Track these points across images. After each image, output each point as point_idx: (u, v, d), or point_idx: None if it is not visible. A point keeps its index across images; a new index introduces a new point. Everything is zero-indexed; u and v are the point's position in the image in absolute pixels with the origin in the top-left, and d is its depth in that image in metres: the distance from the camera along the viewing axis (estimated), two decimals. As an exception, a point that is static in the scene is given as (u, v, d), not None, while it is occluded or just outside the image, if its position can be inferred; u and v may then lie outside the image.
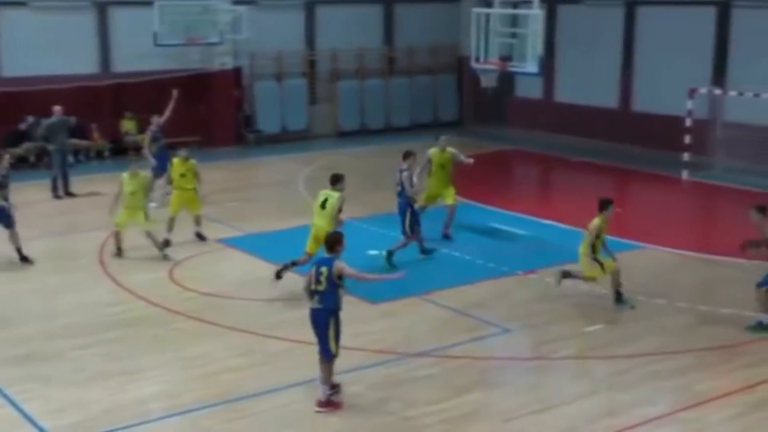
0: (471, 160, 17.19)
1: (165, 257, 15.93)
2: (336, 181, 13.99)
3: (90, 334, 12.59)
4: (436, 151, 16.88)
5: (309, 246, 13.95)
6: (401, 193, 15.61)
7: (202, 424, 10.01)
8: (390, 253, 15.49)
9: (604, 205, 13.53)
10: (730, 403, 10.42)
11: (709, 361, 11.59)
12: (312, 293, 10.26)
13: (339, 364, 11.29)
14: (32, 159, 24.28)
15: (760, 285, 12.64)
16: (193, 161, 17.11)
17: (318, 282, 10.16)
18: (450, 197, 16.88)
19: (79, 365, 11.53)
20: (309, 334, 11.61)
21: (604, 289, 14.23)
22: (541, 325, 12.91)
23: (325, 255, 10.36)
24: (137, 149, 25.48)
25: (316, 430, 9.91)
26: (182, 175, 17.01)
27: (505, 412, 10.25)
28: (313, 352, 11.21)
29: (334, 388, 10.44)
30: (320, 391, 10.35)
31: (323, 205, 13.84)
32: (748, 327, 12.55)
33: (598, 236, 13.36)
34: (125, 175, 16.21)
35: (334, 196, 13.84)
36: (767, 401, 10.44)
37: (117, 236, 16.20)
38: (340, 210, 13.82)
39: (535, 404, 10.42)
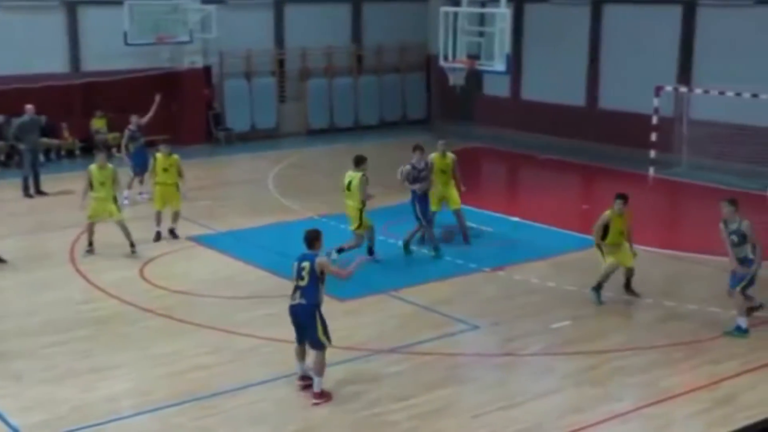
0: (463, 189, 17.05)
1: (133, 252, 15.92)
2: (359, 162, 15.09)
3: (61, 331, 12.50)
4: (437, 155, 16.71)
5: (351, 226, 15.15)
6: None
7: (172, 422, 9.97)
8: (406, 243, 15.99)
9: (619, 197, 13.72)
10: (695, 399, 10.51)
11: (674, 357, 11.69)
12: (294, 288, 10.33)
13: (305, 360, 11.38)
14: (2, 158, 24.04)
15: (732, 287, 12.49)
16: (176, 156, 17.23)
17: (300, 278, 10.26)
18: (454, 202, 16.74)
19: (50, 363, 11.45)
20: (278, 332, 11.69)
21: (571, 286, 14.34)
22: (509, 321, 12.96)
23: (306, 251, 10.39)
24: (108, 147, 25.39)
25: (286, 426, 9.90)
26: (165, 170, 17.04)
27: (473, 407, 10.29)
28: (282, 349, 11.33)
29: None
30: (315, 384, 10.43)
31: (348, 187, 14.94)
32: (726, 332, 12.36)
33: (607, 228, 13.49)
34: (93, 166, 16.17)
35: (356, 176, 14.90)
36: (732, 397, 10.53)
37: (90, 229, 16.11)
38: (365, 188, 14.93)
39: (503, 400, 10.47)
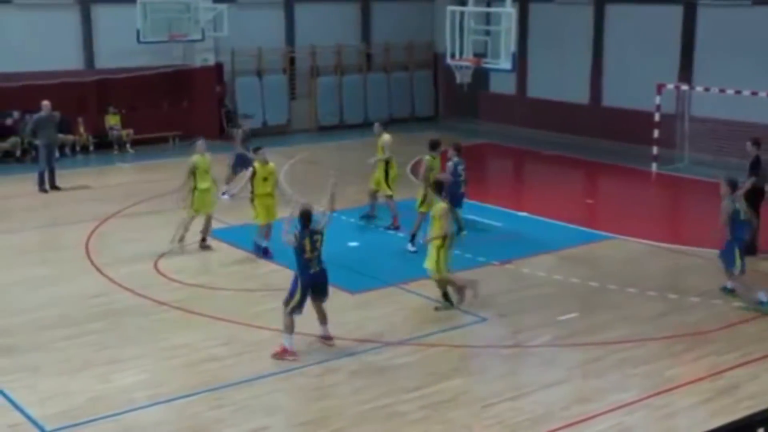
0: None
1: (205, 247, 15.85)
2: (435, 146, 15.88)
3: (76, 324, 12.46)
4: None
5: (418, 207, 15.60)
6: None
7: (186, 412, 9.92)
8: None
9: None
10: (698, 389, 10.44)
11: (677, 348, 11.61)
12: (310, 259, 11.16)
13: (317, 352, 11.40)
14: (18, 153, 24.03)
15: (728, 268, 12.98)
16: (272, 165, 15.56)
17: (315, 249, 11.19)
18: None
19: (65, 355, 11.41)
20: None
21: (577, 278, 14.27)
22: (517, 313, 12.89)
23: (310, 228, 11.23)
24: (121, 144, 25.40)
25: (298, 417, 9.85)
26: (265, 179, 15.30)
27: (482, 398, 10.22)
28: (295, 341, 11.26)
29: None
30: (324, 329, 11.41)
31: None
32: (743, 307, 12.89)
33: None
34: (196, 157, 15.68)
35: (426, 159, 15.70)
36: (734, 387, 10.46)
37: (188, 224, 15.74)
38: (431, 169, 15.54)
39: (511, 391, 10.40)
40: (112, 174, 23.20)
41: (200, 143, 16.04)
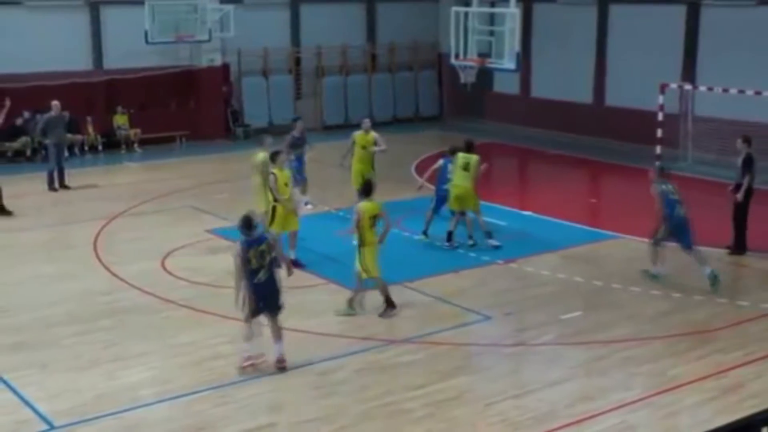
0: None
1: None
2: (471, 147, 15.63)
3: (84, 322, 12.44)
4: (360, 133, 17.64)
5: (451, 204, 15.53)
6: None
7: (192, 409, 9.88)
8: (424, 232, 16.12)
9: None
10: (702, 387, 10.37)
11: (681, 347, 11.54)
12: (258, 269, 10.49)
13: (322, 350, 11.36)
14: (28, 153, 24.03)
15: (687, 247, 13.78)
16: (287, 171, 14.78)
17: (262, 261, 10.47)
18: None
19: (74, 352, 11.38)
20: (294, 322, 11.66)
21: (581, 277, 14.21)
22: (521, 312, 12.85)
23: (256, 235, 10.67)
24: (129, 143, 25.40)
25: (302, 414, 9.80)
26: (285, 185, 14.36)
27: (487, 396, 10.17)
28: (299, 339, 11.42)
29: None
30: (282, 350, 10.78)
31: (465, 168, 15.30)
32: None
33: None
34: (263, 155, 15.04)
35: (473, 158, 15.41)
36: (739, 386, 10.39)
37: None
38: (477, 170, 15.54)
39: (515, 389, 10.35)
40: (120, 173, 23.20)
41: (268, 140, 15.53)
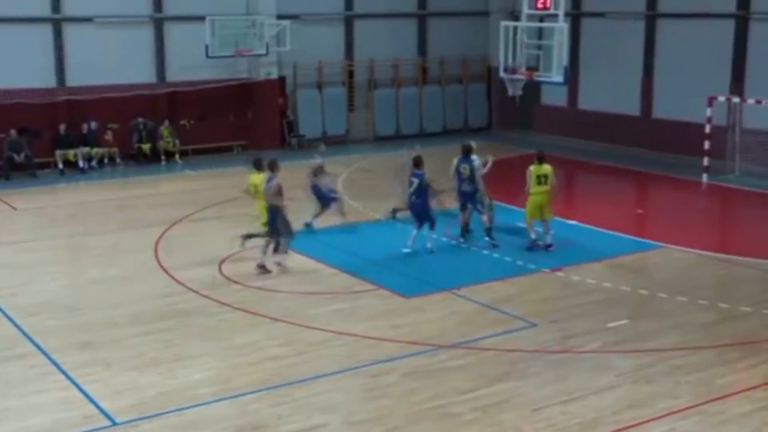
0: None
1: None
2: (543, 158, 15.77)
3: (146, 323, 12.60)
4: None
5: (531, 212, 15.86)
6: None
7: (249, 408, 9.94)
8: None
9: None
10: (751, 397, 10.14)
11: (730, 357, 11.31)
12: None
13: (373, 354, 11.35)
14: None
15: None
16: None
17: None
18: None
19: (136, 352, 11.53)
20: (346, 326, 11.72)
21: (627, 286, 14.02)
22: (567, 320, 12.69)
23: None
24: (167, 153, 25.57)
25: (354, 416, 9.80)
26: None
27: (534, 401, 10.07)
28: (351, 342, 11.45)
29: None
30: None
31: (543, 180, 15.60)
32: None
33: None
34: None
35: (549, 169, 15.69)
36: (787, 396, 10.16)
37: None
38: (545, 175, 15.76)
39: (562, 395, 10.23)
40: (179, 181, 23.45)
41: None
